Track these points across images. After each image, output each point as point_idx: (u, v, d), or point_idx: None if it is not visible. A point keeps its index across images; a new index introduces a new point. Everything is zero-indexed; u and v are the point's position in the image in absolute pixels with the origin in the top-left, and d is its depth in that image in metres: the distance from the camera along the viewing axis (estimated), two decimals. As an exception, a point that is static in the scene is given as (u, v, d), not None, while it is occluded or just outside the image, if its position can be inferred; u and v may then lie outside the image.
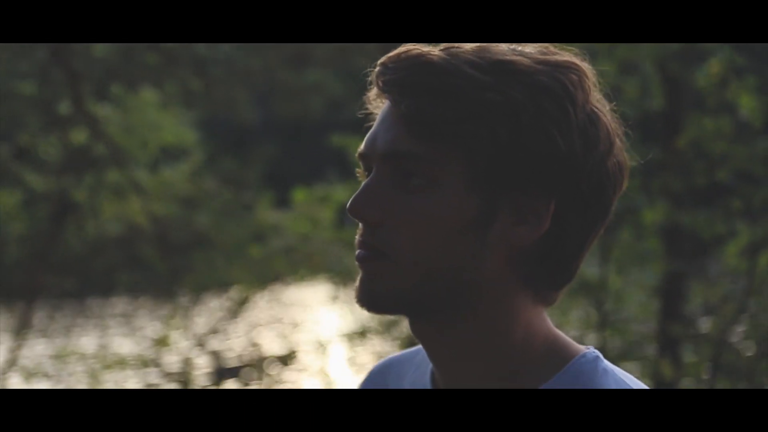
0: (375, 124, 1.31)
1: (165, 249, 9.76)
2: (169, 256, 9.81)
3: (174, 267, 9.90)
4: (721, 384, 5.75)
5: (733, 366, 5.92)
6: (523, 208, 1.26)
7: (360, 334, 9.12)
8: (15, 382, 8.96)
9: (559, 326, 1.35)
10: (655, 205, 5.84)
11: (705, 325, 6.44)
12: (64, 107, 8.68)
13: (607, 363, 1.29)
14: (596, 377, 1.26)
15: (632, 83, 5.73)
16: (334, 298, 9.86)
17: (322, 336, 10.86)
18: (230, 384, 9.75)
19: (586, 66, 1.29)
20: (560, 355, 1.29)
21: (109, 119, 9.45)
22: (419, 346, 1.40)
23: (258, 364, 10.42)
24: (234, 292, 10.62)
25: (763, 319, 5.97)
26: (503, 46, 1.28)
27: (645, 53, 5.59)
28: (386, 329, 8.43)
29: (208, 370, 10.07)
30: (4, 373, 8.65)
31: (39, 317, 12.61)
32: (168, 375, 9.53)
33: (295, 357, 10.65)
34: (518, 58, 1.26)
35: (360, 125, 1.37)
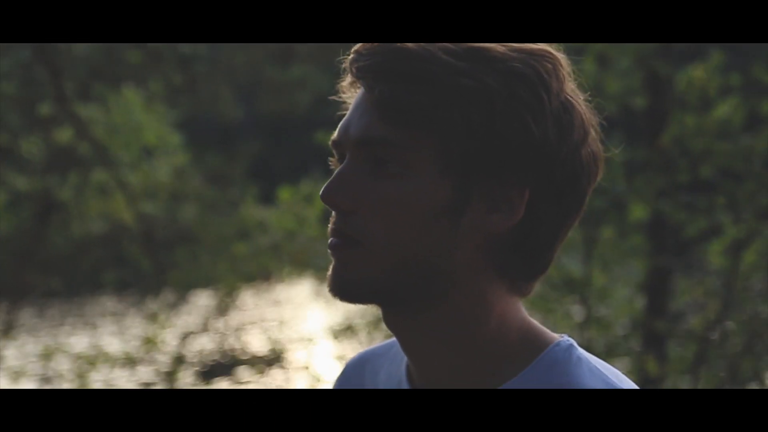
0: (349, 111, 1.31)
1: (150, 246, 9.73)
2: (154, 253, 9.79)
3: (159, 264, 9.88)
4: (705, 380, 5.77)
5: (717, 362, 5.93)
6: (496, 196, 1.25)
7: (346, 330, 9.11)
8: (2, 383, 8.93)
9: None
10: (639, 201, 5.84)
11: (690, 321, 6.45)
12: (47, 107, 8.65)
13: (581, 351, 1.28)
14: (570, 366, 1.25)
15: (614, 81, 5.74)
16: (320, 295, 9.85)
17: (308, 333, 10.86)
18: (216, 382, 9.74)
19: (560, 55, 1.29)
20: (535, 344, 1.29)
21: (92, 119, 9.41)
22: (394, 339, 1.39)
23: (244, 361, 10.40)
24: (220, 290, 10.60)
25: (747, 316, 5.99)
26: None
27: (627, 50, 5.61)
28: (374, 325, 8.42)
29: (194, 368, 10.05)
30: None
31: (27, 317, 12.58)
32: (155, 373, 9.51)
33: (281, 355, 10.64)
34: (493, 45, 1.26)
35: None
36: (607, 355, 6.06)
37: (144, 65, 8.73)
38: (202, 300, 11.35)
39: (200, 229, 10.79)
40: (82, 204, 10.46)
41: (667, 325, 6.02)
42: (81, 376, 9.07)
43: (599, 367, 1.27)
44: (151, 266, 10.17)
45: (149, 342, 9.54)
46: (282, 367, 10.22)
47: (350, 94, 1.33)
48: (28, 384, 9.39)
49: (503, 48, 1.26)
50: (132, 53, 8.40)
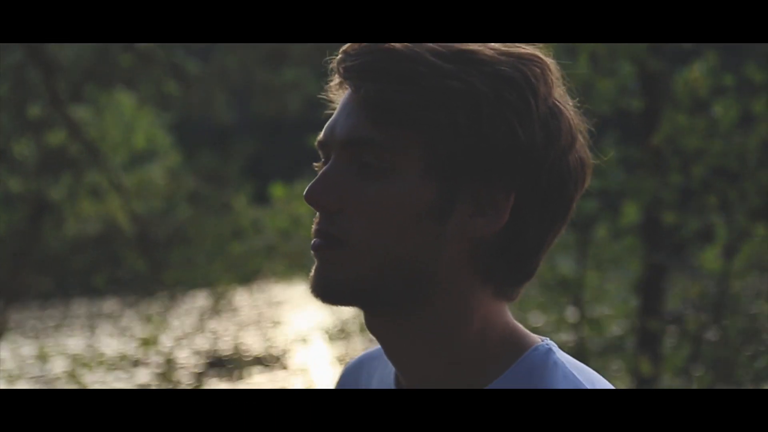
0: (335, 112, 1.30)
1: (144, 247, 9.73)
2: (148, 254, 9.78)
3: (154, 265, 9.87)
4: (699, 380, 5.77)
5: (711, 362, 5.93)
6: (482, 200, 1.24)
7: (340, 332, 9.12)
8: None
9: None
10: (633, 201, 5.85)
11: (685, 320, 6.46)
12: (39, 108, 8.64)
13: (559, 356, 1.27)
14: (545, 371, 1.24)
15: (607, 81, 5.74)
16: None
17: (302, 333, 10.86)
18: (210, 383, 9.73)
19: (549, 60, 1.28)
20: (515, 348, 1.28)
21: (84, 121, 9.40)
22: None
23: (238, 362, 10.40)
24: (214, 290, 10.60)
25: (740, 316, 5.99)
26: None
27: (620, 50, 5.60)
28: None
29: (189, 368, 10.04)
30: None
31: (22, 318, 12.56)
32: (150, 375, 9.50)
33: (275, 355, 10.64)
34: (481, 48, 1.25)
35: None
36: (601, 356, 6.06)
37: (136, 68, 8.72)
38: (197, 301, 11.34)
39: (195, 230, 10.79)
40: (75, 205, 10.46)
41: (661, 325, 6.02)
42: (75, 376, 9.06)
43: (574, 372, 1.25)
44: (145, 267, 10.17)
45: (146, 343, 9.54)
46: (276, 368, 10.22)
47: (338, 94, 1.32)
48: (23, 386, 9.38)
49: (491, 51, 1.25)
50: (124, 57, 8.38)
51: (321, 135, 1.30)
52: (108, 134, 10.45)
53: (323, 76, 1.33)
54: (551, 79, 1.27)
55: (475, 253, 1.26)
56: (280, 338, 11.60)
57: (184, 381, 9.52)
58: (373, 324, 1.30)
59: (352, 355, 9.16)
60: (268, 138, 19.39)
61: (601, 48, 5.47)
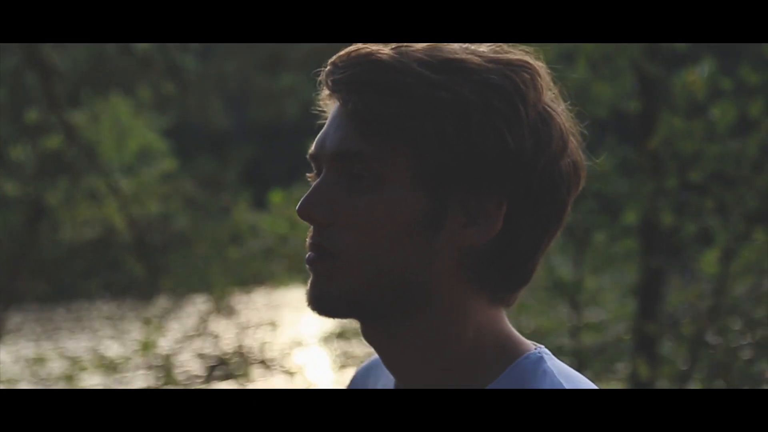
0: (325, 124, 1.30)
1: (142, 251, 9.72)
2: (146, 258, 9.78)
3: (152, 269, 9.87)
4: (697, 383, 5.76)
5: (709, 365, 5.92)
6: (473, 209, 1.24)
7: (338, 336, 9.11)
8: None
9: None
10: (631, 203, 5.84)
11: (683, 324, 6.45)
12: (36, 113, 8.63)
13: (549, 364, 1.26)
14: (534, 379, 1.24)
15: (605, 84, 5.73)
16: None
17: (300, 337, 10.85)
18: (209, 385, 9.72)
19: (539, 65, 1.28)
20: (508, 355, 1.28)
21: (81, 125, 9.40)
22: None
23: (237, 365, 10.38)
24: (213, 294, 10.59)
25: (737, 318, 5.99)
26: (455, 46, 1.27)
27: (618, 52, 5.59)
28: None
29: (189, 371, 10.03)
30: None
31: (21, 321, 12.55)
32: (150, 378, 9.50)
33: (273, 358, 10.63)
34: (469, 56, 1.24)
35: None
36: (598, 359, 6.05)
37: (133, 72, 8.71)
38: (196, 305, 11.33)
39: (193, 234, 10.78)
40: (73, 209, 10.45)
41: (659, 328, 6.01)
42: (71, 379, 9.05)
43: (562, 380, 1.25)
44: (143, 271, 10.16)
45: (145, 347, 9.53)
46: (276, 371, 10.21)
47: (330, 105, 1.32)
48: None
49: (479, 59, 1.24)
50: (121, 59, 8.38)
51: (312, 148, 1.30)
52: (105, 139, 10.45)
53: (319, 83, 1.33)
54: (541, 85, 1.26)
55: (468, 261, 1.25)
56: (279, 341, 11.59)
57: (183, 384, 9.50)
58: (369, 333, 1.30)
59: (351, 357, 9.16)
60: (265, 143, 19.39)
61: (598, 51, 5.47)
